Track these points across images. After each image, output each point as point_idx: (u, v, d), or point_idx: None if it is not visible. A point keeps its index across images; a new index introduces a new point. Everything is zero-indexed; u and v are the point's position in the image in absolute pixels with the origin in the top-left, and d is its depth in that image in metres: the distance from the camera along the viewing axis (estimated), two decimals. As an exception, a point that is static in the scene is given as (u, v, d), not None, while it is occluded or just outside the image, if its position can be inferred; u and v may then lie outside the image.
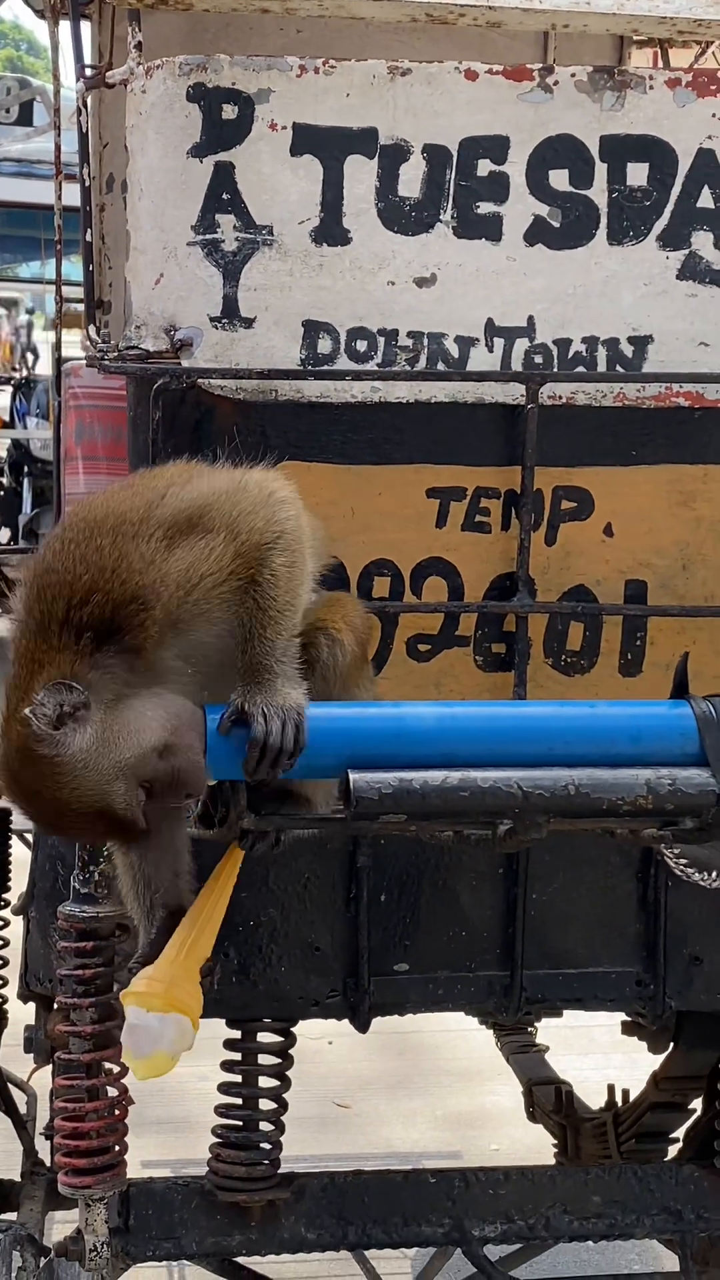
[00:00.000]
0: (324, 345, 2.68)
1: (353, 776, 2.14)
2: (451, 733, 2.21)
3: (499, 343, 2.71)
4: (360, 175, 2.64)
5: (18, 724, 2.11)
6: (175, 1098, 5.04)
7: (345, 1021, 2.82)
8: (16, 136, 11.84)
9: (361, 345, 2.69)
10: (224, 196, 2.62)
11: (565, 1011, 3.05)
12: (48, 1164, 3.36)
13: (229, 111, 2.59)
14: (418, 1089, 5.34)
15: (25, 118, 11.97)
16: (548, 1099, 4.08)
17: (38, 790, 2.12)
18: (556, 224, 2.69)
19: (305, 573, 2.34)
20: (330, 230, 2.65)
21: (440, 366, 2.70)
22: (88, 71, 3.00)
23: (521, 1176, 2.91)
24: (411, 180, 2.65)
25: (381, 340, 2.70)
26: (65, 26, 3.56)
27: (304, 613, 2.33)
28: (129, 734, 2.12)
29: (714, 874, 2.41)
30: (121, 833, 2.16)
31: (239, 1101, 2.79)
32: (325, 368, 2.68)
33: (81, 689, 2.10)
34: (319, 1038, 3.41)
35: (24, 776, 2.13)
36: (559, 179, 2.69)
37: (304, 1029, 2.84)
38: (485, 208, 2.68)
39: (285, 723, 2.18)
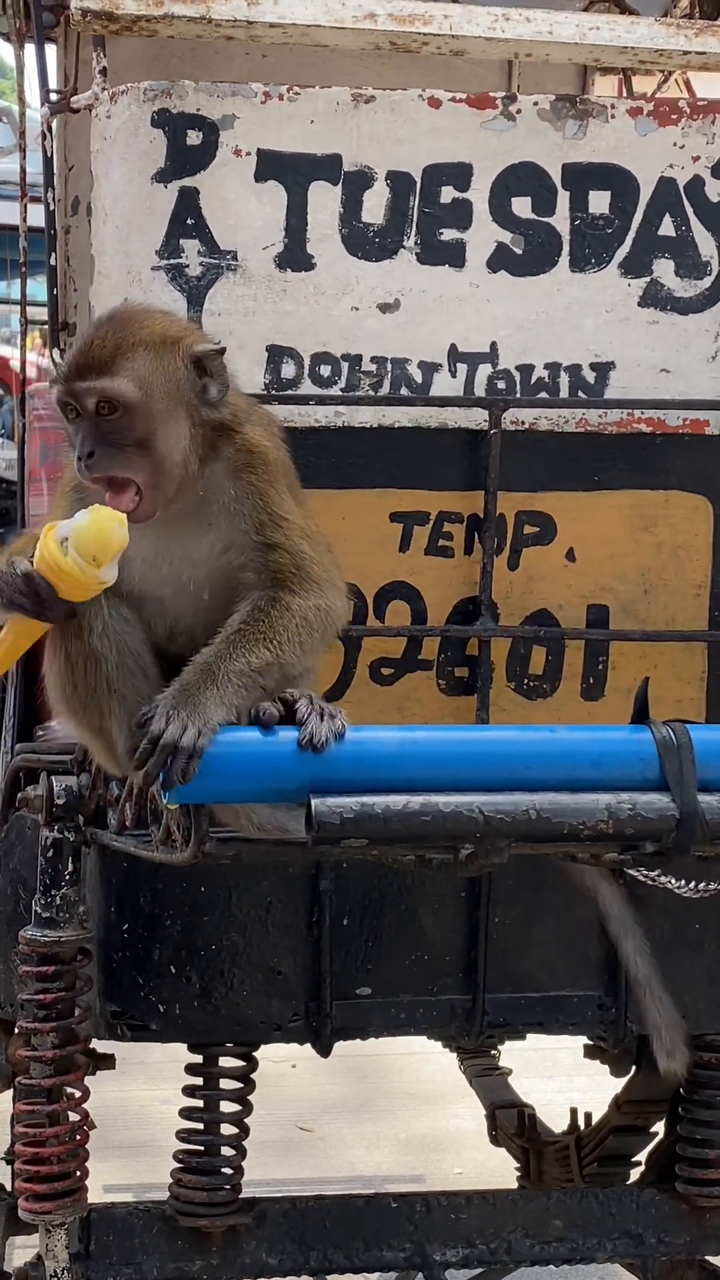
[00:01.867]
0: (288, 370, 2.69)
1: (314, 801, 2.14)
2: (413, 757, 2.21)
3: (462, 368, 2.73)
4: (324, 201, 2.65)
5: None
6: (137, 1121, 5.03)
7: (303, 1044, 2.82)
8: (-20, 157, 11.85)
9: (325, 370, 2.70)
10: (188, 221, 2.62)
11: (528, 1035, 3.06)
12: (8, 1189, 3.34)
13: (194, 137, 2.60)
14: (381, 1112, 5.33)
15: (-10, 139, 11.99)
16: (510, 1122, 4.08)
17: None
18: (519, 251, 2.71)
19: (319, 642, 2.38)
20: (294, 256, 2.66)
21: (404, 391, 2.72)
22: (53, 96, 3.00)
23: (483, 1200, 2.91)
24: (375, 206, 2.67)
25: (345, 365, 2.71)
26: (31, 50, 3.56)
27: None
28: None
29: (691, 882, 2.43)
30: None
31: (200, 1126, 2.78)
32: (289, 392, 2.69)
33: None
34: (282, 1061, 3.41)
35: None
36: (522, 206, 2.70)
37: (267, 1052, 2.84)
38: (448, 234, 2.69)
39: (188, 726, 2.17)
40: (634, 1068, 3.36)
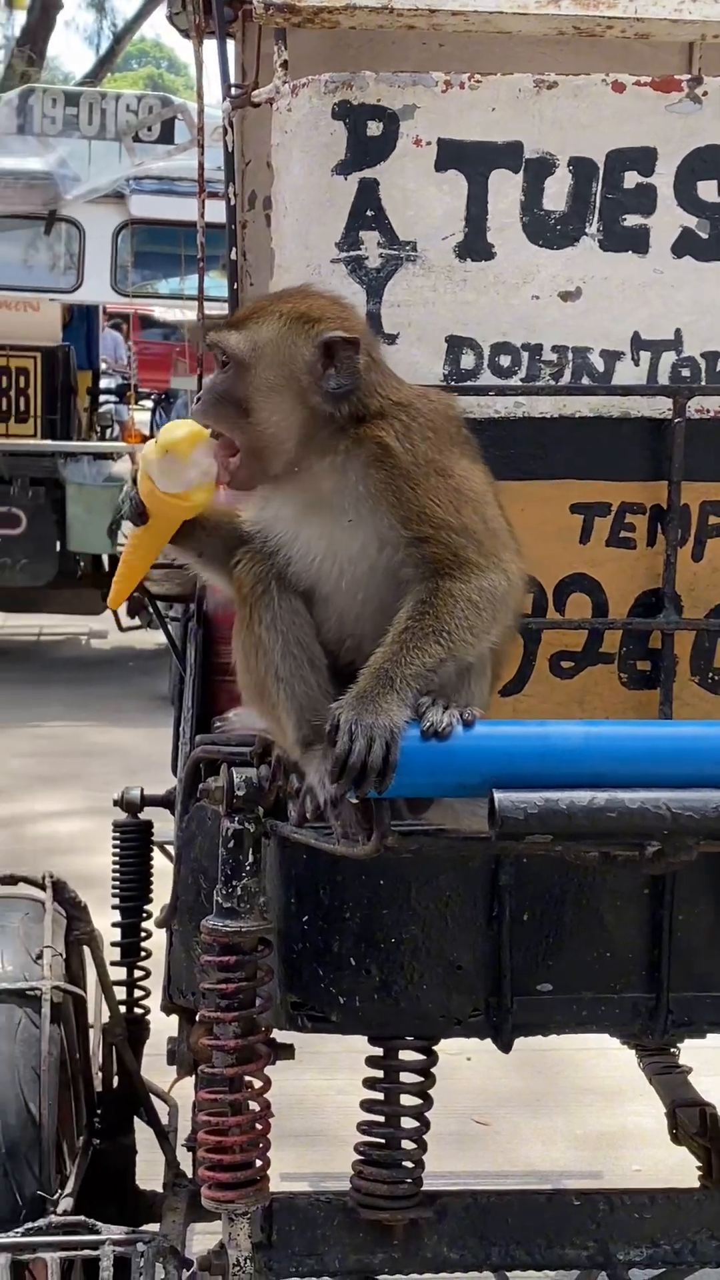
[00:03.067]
0: (467, 360, 2.67)
1: (498, 796, 2.12)
2: (598, 752, 2.18)
3: (645, 356, 2.69)
4: (505, 189, 2.63)
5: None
6: (313, 1110, 5.06)
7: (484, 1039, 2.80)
8: (157, 154, 11.98)
9: (505, 360, 2.68)
10: (368, 213, 2.62)
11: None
12: (189, 1175, 3.38)
13: (374, 128, 2.59)
14: (557, 1107, 5.30)
15: (166, 136, 12.10)
16: (692, 1121, 4.02)
17: None
18: (705, 235, 2.66)
19: (490, 622, 2.32)
20: (474, 245, 2.64)
21: (585, 381, 2.68)
22: (233, 91, 3.01)
23: (667, 1200, 2.88)
24: (557, 194, 2.64)
25: (525, 355, 2.68)
26: (209, 46, 3.58)
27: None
28: None
29: None
30: None
31: (381, 1119, 2.78)
32: (468, 383, 2.67)
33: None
34: (457, 1054, 3.39)
35: None
36: (707, 190, 2.65)
37: (441, 1045, 2.83)
38: (632, 220, 2.65)
39: (374, 741, 2.17)
40: None
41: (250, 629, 2.45)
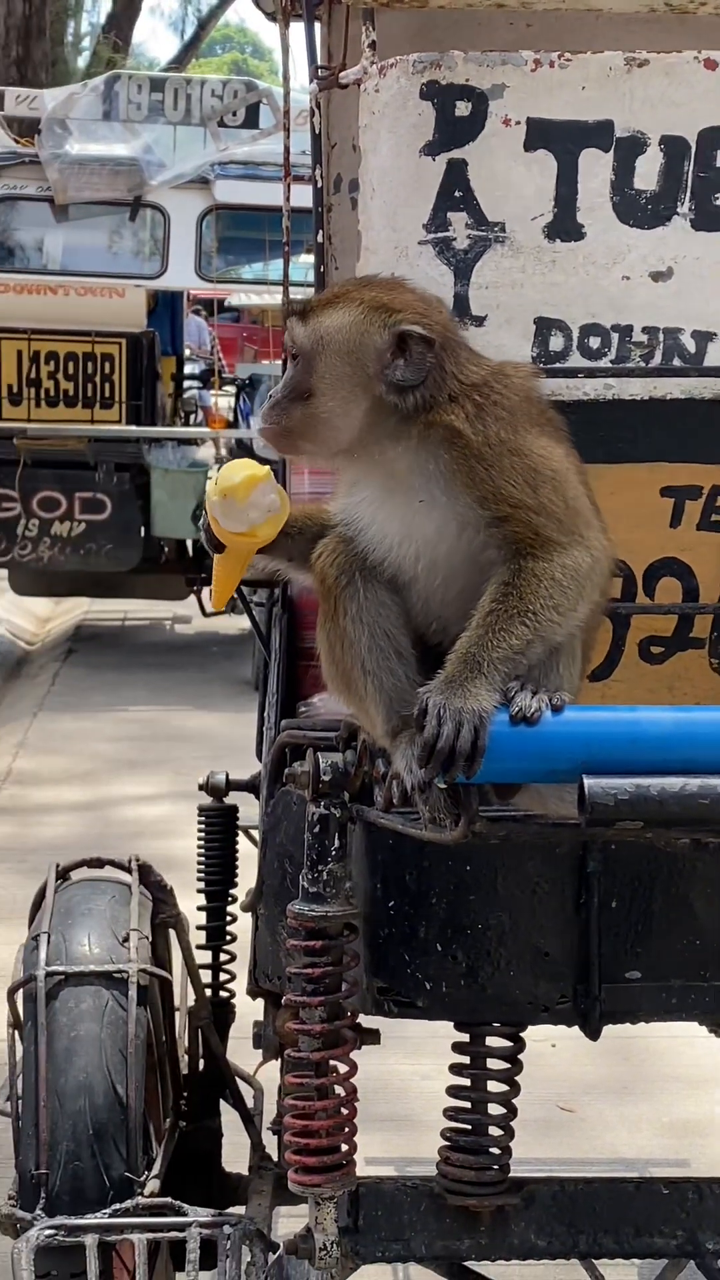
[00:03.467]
0: (556, 342, 2.65)
1: (588, 782, 2.11)
2: (689, 738, 2.16)
3: (737, 337, 2.65)
4: (595, 169, 2.60)
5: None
6: (398, 1095, 5.06)
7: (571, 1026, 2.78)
8: (243, 139, 11.98)
9: (594, 342, 2.65)
10: (456, 194, 2.60)
11: None
12: (275, 1159, 3.39)
13: (462, 108, 2.57)
14: (643, 1094, 5.27)
15: (251, 120, 12.11)
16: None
17: None
18: None
19: (575, 599, 2.30)
20: (564, 225, 2.61)
21: (676, 362, 2.65)
22: (320, 72, 3.00)
23: (757, 1189, 2.84)
24: (648, 173, 2.61)
25: (615, 336, 2.65)
26: (295, 29, 3.57)
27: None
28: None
29: None
30: None
31: (467, 1105, 2.77)
32: (557, 365, 2.65)
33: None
34: (542, 1040, 3.37)
35: None
36: None
37: (527, 1031, 2.81)
38: (724, 199, 2.61)
39: (463, 725, 2.16)
40: None
41: (335, 621, 2.44)
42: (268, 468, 2.49)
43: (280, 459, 2.77)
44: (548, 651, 2.29)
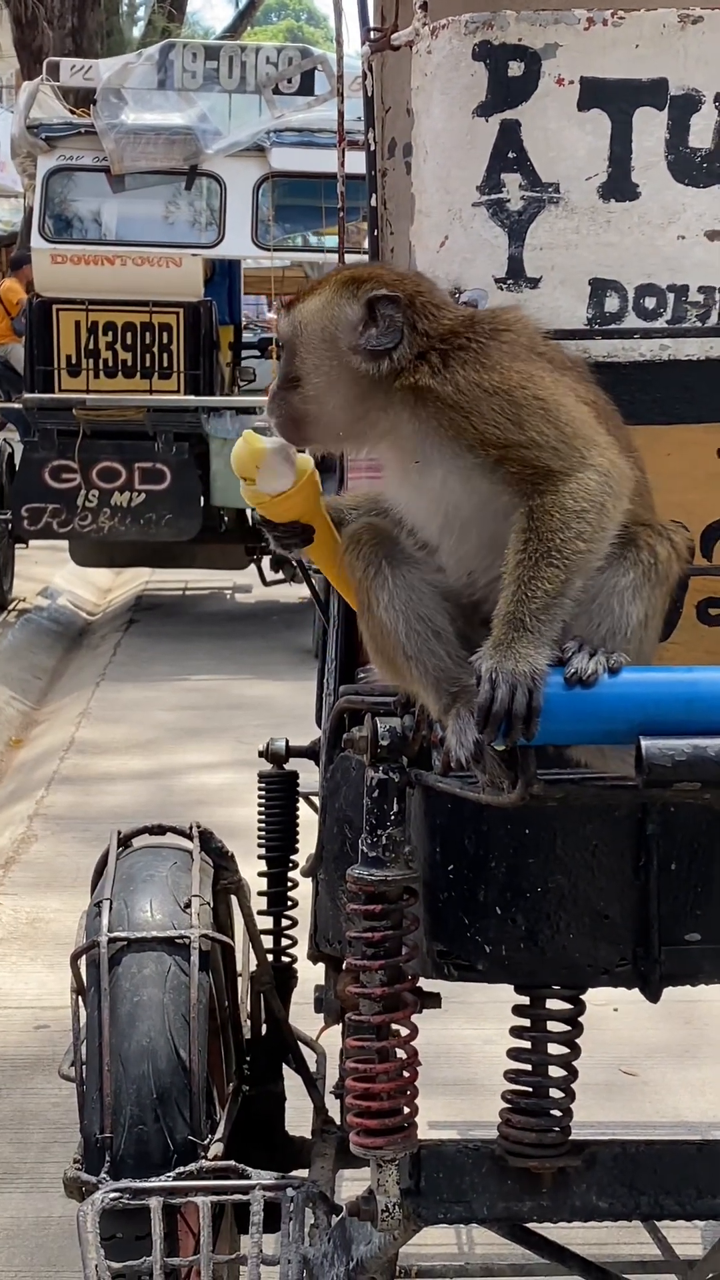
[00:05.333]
0: (611, 304, 2.63)
1: (645, 743, 2.10)
2: (749, 698, 2.15)
3: None
4: (649, 128, 2.58)
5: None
6: (461, 1060, 5.08)
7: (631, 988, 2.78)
8: (298, 106, 11.96)
9: (650, 302, 2.63)
10: (509, 155, 2.58)
11: None
12: (338, 1122, 3.41)
13: (515, 68, 2.55)
14: (706, 1058, 5.26)
15: (306, 87, 12.09)
16: None
17: None
18: None
19: (598, 518, 2.27)
20: (618, 185, 2.59)
21: (733, 322, 2.63)
22: (372, 35, 2.99)
23: None
24: (703, 131, 2.58)
25: (671, 297, 2.63)
26: (348, -8, 3.55)
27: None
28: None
29: None
30: None
31: (529, 1068, 2.77)
32: (612, 327, 2.63)
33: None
34: (604, 1005, 3.37)
35: None
36: None
37: (589, 995, 2.81)
38: (781, 155, 2.59)
39: (517, 688, 2.16)
40: None
41: (371, 612, 2.47)
42: (265, 442, 2.54)
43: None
44: (589, 580, 2.28)
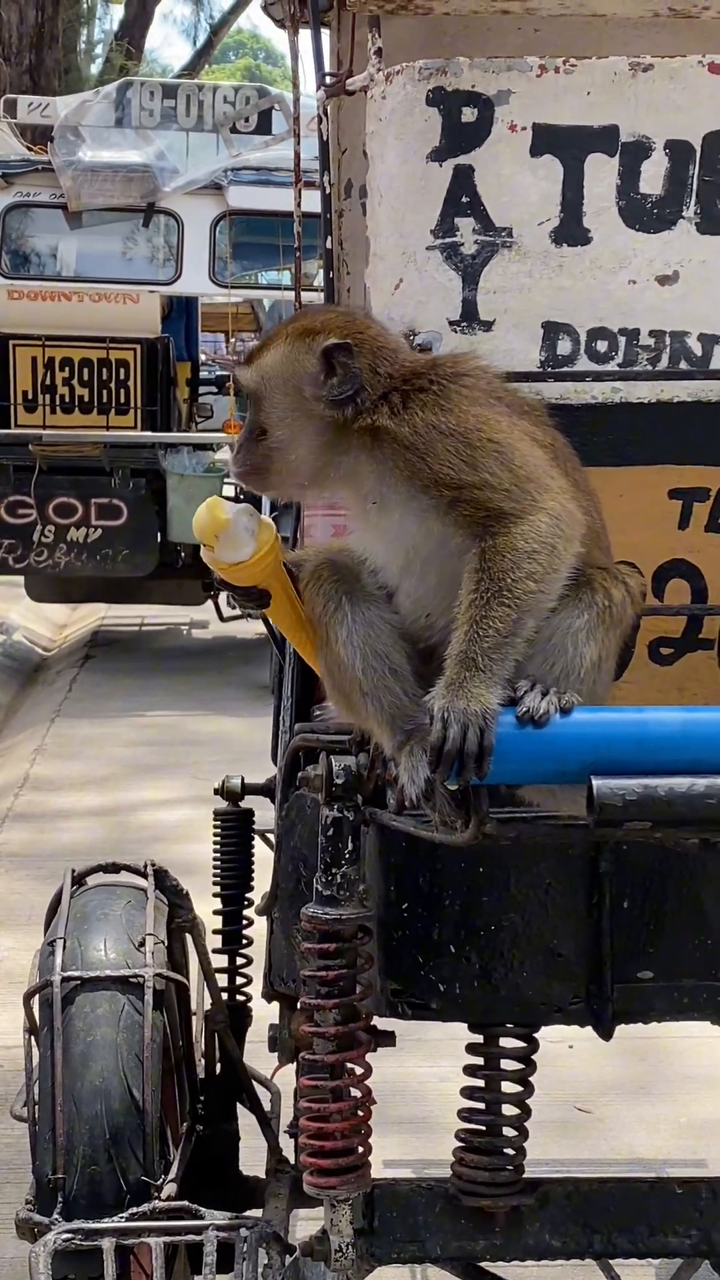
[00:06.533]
0: (564, 346, 2.66)
1: (596, 783, 2.12)
2: (698, 738, 2.17)
3: (744, 340, 2.66)
4: (601, 174, 2.62)
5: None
6: (415, 1097, 5.07)
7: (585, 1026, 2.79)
8: (255, 145, 12.01)
9: (602, 345, 2.67)
10: (463, 199, 2.62)
11: None
12: (292, 1162, 3.40)
13: (469, 114, 2.59)
14: (661, 1095, 5.27)
15: (263, 126, 12.15)
16: None
17: None
18: None
19: (549, 559, 2.29)
20: (570, 230, 2.63)
21: (683, 365, 2.66)
22: (328, 79, 3.02)
23: (772, 1189, 2.85)
24: (654, 177, 2.62)
25: (623, 340, 2.67)
26: (304, 35, 3.59)
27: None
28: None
29: None
30: None
31: (482, 1106, 2.78)
32: (565, 369, 2.66)
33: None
34: (559, 1040, 3.38)
35: None
36: None
37: (544, 1032, 2.82)
38: (729, 203, 2.63)
39: (469, 727, 2.17)
40: None
41: (329, 647, 2.49)
42: (228, 510, 2.53)
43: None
44: (539, 624, 2.30)
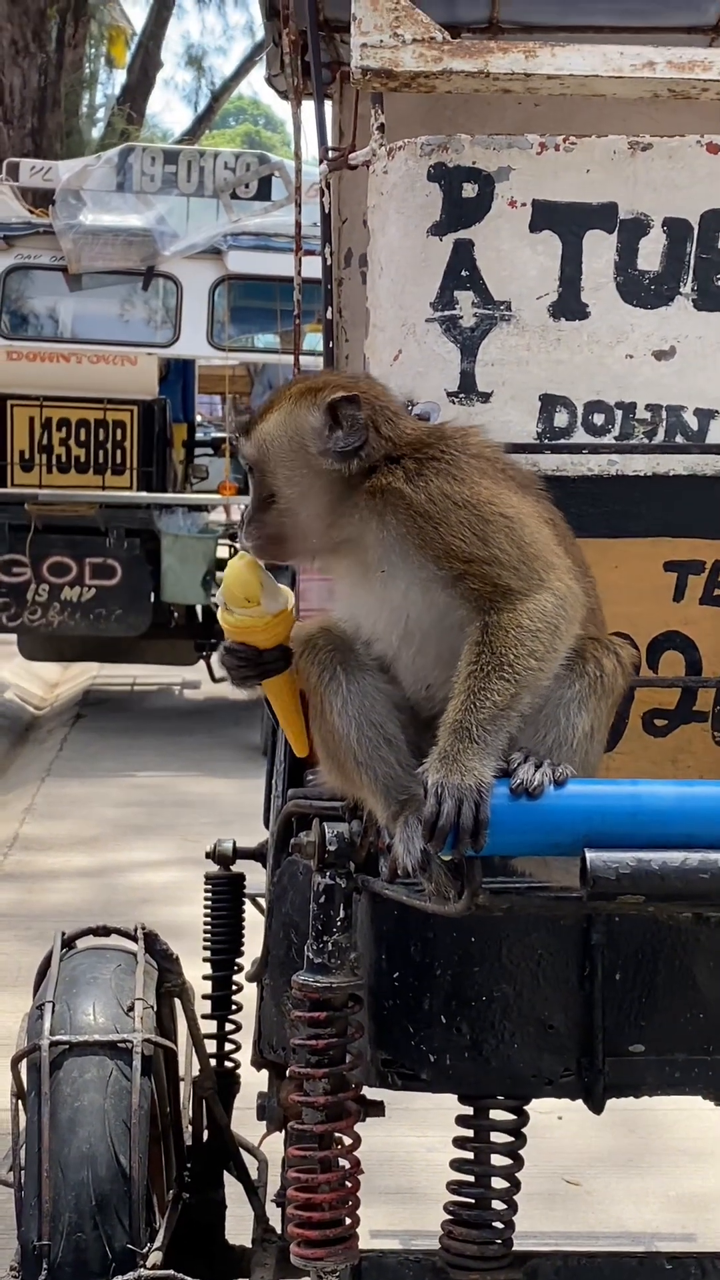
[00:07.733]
0: (561, 419, 2.69)
1: (589, 855, 2.12)
2: (692, 812, 2.18)
3: (739, 415, 2.69)
4: (599, 250, 2.65)
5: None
6: (403, 1168, 5.02)
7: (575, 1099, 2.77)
8: (255, 211, 12.11)
9: (599, 419, 2.69)
10: (463, 273, 2.64)
11: None
12: (279, 1231, 3.37)
13: (469, 190, 2.62)
14: (649, 1168, 5.23)
15: (264, 192, 12.25)
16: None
17: None
18: None
19: (551, 640, 2.30)
20: (568, 305, 2.65)
21: (679, 439, 2.69)
22: (331, 154, 3.06)
23: (760, 1266, 2.83)
24: (651, 254, 2.65)
25: (619, 413, 2.69)
26: (307, 106, 3.63)
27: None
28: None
29: None
30: None
31: (471, 1178, 2.76)
32: (561, 441, 2.68)
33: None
34: (548, 1112, 3.36)
35: None
36: None
37: (533, 1103, 2.81)
38: (726, 280, 2.66)
39: (463, 801, 2.18)
40: None
41: (324, 718, 2.49)
42: (256, 575, 2.58)
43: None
44: (536, 701, 2.30)
